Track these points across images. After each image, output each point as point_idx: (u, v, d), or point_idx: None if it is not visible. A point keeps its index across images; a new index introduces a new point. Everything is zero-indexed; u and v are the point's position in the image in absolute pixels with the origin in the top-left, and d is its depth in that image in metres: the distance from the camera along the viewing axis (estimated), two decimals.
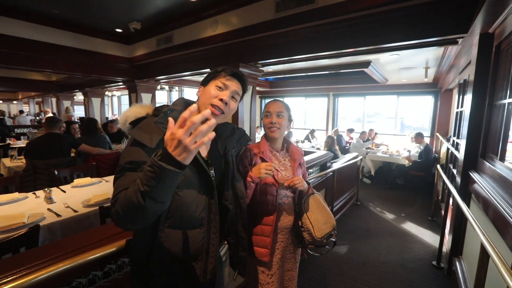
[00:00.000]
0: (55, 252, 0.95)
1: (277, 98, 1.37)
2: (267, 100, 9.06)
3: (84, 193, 2.13)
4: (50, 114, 8.14)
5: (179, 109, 0.89)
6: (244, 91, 0.98)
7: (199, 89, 0.96)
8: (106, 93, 9.44)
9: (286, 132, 1.35)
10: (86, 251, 0.99)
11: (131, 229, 0.73)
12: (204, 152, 0.96)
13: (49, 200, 1.88)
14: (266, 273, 1.29)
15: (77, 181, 2.37)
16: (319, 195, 1.34)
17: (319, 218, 1.26)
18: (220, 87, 0.91)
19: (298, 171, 1.34)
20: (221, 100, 0.89)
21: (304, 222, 1.25)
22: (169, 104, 1.04)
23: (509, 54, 1.72)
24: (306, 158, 2.97)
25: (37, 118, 10.30)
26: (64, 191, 2.17)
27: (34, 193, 2.08)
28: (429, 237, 3.10)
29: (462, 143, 2.27)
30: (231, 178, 1.03)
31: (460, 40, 2.21)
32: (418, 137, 5.16)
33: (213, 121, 0.62)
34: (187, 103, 0.95)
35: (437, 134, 5.50)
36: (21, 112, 10.60)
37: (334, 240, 1.29)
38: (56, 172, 2.54)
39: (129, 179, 0.74)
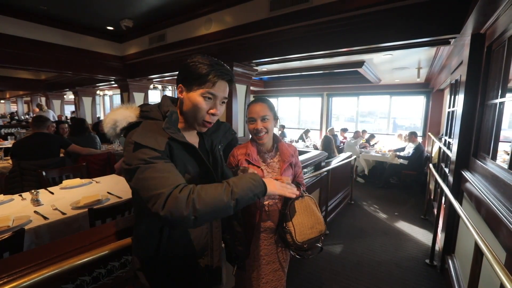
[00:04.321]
0: (40, 257, 0.91)
1: (259, 98, 1.29)
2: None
3: (73, 194, 2.06)
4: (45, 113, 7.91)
5: (175, 110, 0.88)
6: (232, 86, 0.97)
7: (180, 89, 0.87)
8: (98, 92, 9.27)
9: (277, 131, 1.29)
10: (73, 255, 0.95)
11: (181, 226, 0.71)
12: None
13: (36, 202, 1.81)
14: (248, 268, 1.29)
15: (66, 182, 2.29)
16: (310, 198, 1.27)
17: (305, 222, 1.20)
18: (208, 98, 0.84)
19: (286, 172, 1.28)
20: (212, 114, 0.87)
21: (287, 224, 1.21)
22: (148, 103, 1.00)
23: (500, 54, 1.74)
24: (301, 157, 2.95)
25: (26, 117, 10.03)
26: (52, 193, 2.10)
27: (21, 195, 2.01)
28: (422, 235, 3.13)
29: (454, 142, 2.30)
30: (221, 173, 1.03)
31: (452, 41, 2.24)
32: (412, 136, 5.23)
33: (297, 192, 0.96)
34: (173, 101, 0.95)
35: (429, 133, 5.59)
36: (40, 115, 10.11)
37: (320, 246, 1.25)
38: (44, 173, 2.46)
39: (170, 168, 0.76)
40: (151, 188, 0.71)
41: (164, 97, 0.94)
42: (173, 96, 1.00)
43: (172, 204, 0.68)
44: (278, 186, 0.86)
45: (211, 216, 0.74)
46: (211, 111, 0.85)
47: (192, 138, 0.97)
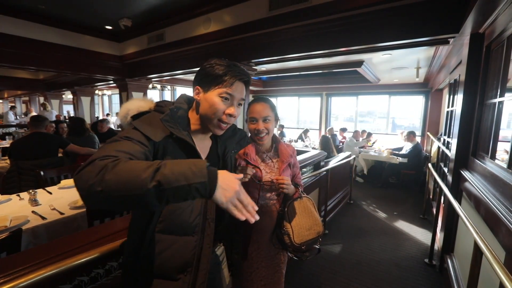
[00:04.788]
0: (37, 258, 0.90)
1: (261, 97, 1.26)
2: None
3: (72, 194, 2.05)
4: (34, 113, 7.91)
5: (185, 107, 0.86)
6: (248, 88, 0.92)
7: (197, 91, 0.86)
8: (97, 92, 9.25)
9: (276, 130, 1.28)
10: (71, 255, 0.94)
11: (90, 199, 0.59)
12: (203, 155, 0.92)
13: (34, 202, 1.80)
14: (246, 270, 1.27)
15: (64, 182, 2.28)
16: (309, 199, 1.27)
17: (303, 224, 1.20)
18: (225, 98, 0.82)
19: (285, 172, 1.28)
20: (229, 115, 0.84)
21: (285, 226, 1.20)
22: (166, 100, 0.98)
23: (499, 54, 1.75)
24: (300, 157, 2.95)
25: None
26: (50, 193, 2.09)
27: (18, 195, 2.00)
28: (421, 235, 3.14)
29: (454, 142, 2.30)
30: None
31: (451, 40, 2.24)
32: (410, 135, 5.25)
33: (252, 220, 0.68)
34: (189, 100, 0.93)
35: (428, 133, 5.60)
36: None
37: (317, 247, 1.24)
38: (42, 173, 2.45)
39: (126, 145, 0.69)
40: (95, 153, 0.65)
41: (181, 95, 0.93)
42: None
43: (87, 168, 0.58)
44: (231, 195, 0.62)
45: (120, 195, 0.56)
46: (228, 111, 0.83)
47: (205, 141, 0.94)
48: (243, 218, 0.65)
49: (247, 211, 0.66)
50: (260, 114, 1.18)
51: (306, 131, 7.41)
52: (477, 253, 1.30)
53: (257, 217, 0.67)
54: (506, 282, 0.97)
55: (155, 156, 0.77)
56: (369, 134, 6.54)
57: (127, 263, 0.85)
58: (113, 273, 1.09)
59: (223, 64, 0.83)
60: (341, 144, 6.56)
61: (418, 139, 5.65)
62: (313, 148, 6.25)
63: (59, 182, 2.35)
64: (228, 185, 0.63)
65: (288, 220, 1.20)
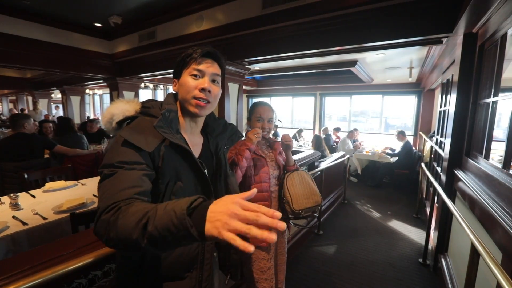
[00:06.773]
0: (13, 269, 0.83)
1: (264, 102, 1.50)
2: (254, 100, 9.01)
3: (57, 198, 1.96)
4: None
5: (175, 108, 0.83)
6: (223, 69, 0.89)
7: (174, 83, 0.86)
8: (87, 91, 9.03)
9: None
10: (50, 266, 0.88)
11: (108, 245, 0.63)
12: (196, 153, 0.89)
13: (15, 206, 1.71)
14: (266, 258, 1.39)
15: (49, 185, 2.19)
16: (306, 172, 1.51)
17: (300, 192, 1.41)
18: (195, 75, 0.81)
19: (279, 158, 1.54)
20: (202, 90, 0.80)
21: (284, 195, 1.41)
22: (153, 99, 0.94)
23: (492, 53, 1.74)
24: (295, 157, 2.92)
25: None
26: (33, 196, 1.99)
27: None
28: (414, 234, 3.15)
29: (447, 141, 2.30)
30: (224, 176, 0.98)
31: (444, 40, 2.24)
32: (400, 134, 5.29)
33: (283, 226, 0.47)
34: (177, 100, 0.89)
35: (421, 132, 5.65)
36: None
37: (316, 215, 1.42)
38: (26, 175, 2.35)
39: (125, 179, 0.67)
40: (99, 199, 0.66)
41: (168, 94, 0.90)
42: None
43: (98, 225, 0.62)
44: (221, 221, 0.47)
45: (127, 249, 0.61)
46: (200, 85, 0.80)
47: (196, 137, 0.92)
48: (251, 249, 0.45)
49: (262, 222, 0.46)
50: (267, 115, 1.43)
51: (300, 131, 7.38)
52: (474, 254, 1.28)
53: (275, 237, 0.46)
54: (504, 283, 0.95)
55: (153, 164, 0.75)
56: (355, 130, 6.60)
57: (128, 272, 0.81)
58: (96, 282, 1.03)
59: (190, 49, 0.84)
60: (335, 144, 6.56)
61: (410, 138, 5.69)
62: (308, 148, 6.24)
63: (44, 185, 2.25)
64: (215, 212, 0.49)
65: (287, 189, 1.40)
